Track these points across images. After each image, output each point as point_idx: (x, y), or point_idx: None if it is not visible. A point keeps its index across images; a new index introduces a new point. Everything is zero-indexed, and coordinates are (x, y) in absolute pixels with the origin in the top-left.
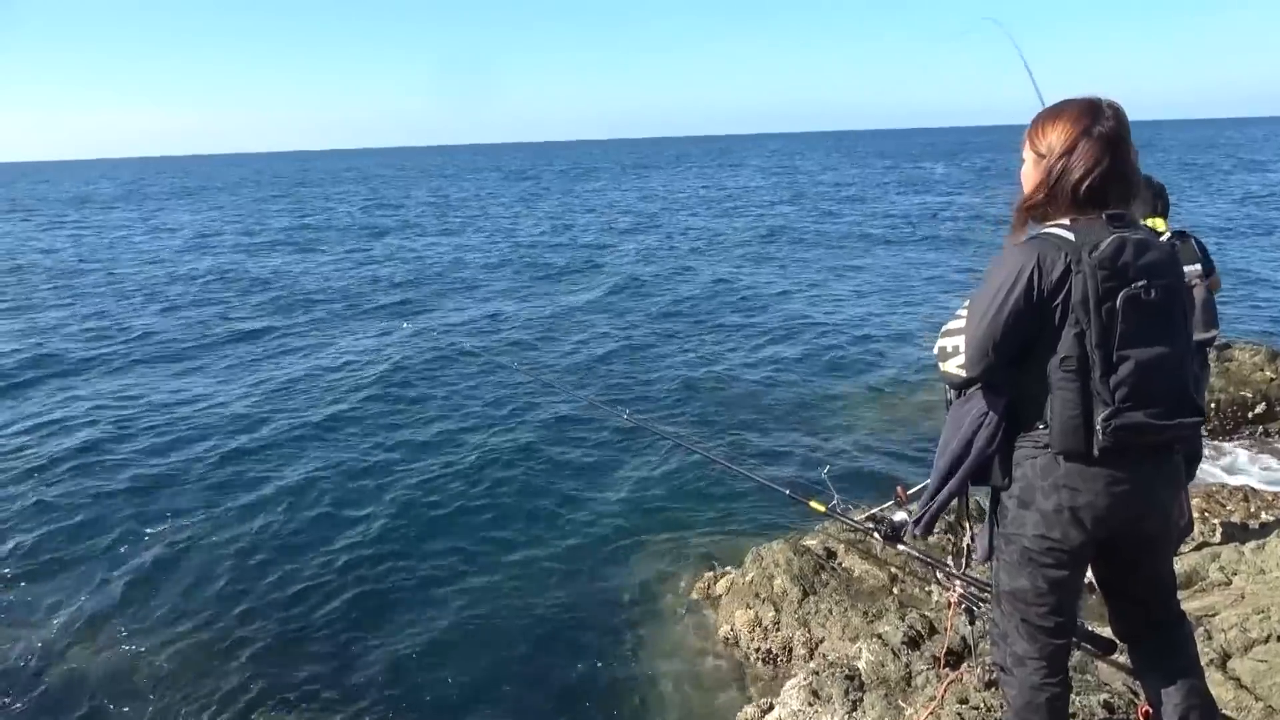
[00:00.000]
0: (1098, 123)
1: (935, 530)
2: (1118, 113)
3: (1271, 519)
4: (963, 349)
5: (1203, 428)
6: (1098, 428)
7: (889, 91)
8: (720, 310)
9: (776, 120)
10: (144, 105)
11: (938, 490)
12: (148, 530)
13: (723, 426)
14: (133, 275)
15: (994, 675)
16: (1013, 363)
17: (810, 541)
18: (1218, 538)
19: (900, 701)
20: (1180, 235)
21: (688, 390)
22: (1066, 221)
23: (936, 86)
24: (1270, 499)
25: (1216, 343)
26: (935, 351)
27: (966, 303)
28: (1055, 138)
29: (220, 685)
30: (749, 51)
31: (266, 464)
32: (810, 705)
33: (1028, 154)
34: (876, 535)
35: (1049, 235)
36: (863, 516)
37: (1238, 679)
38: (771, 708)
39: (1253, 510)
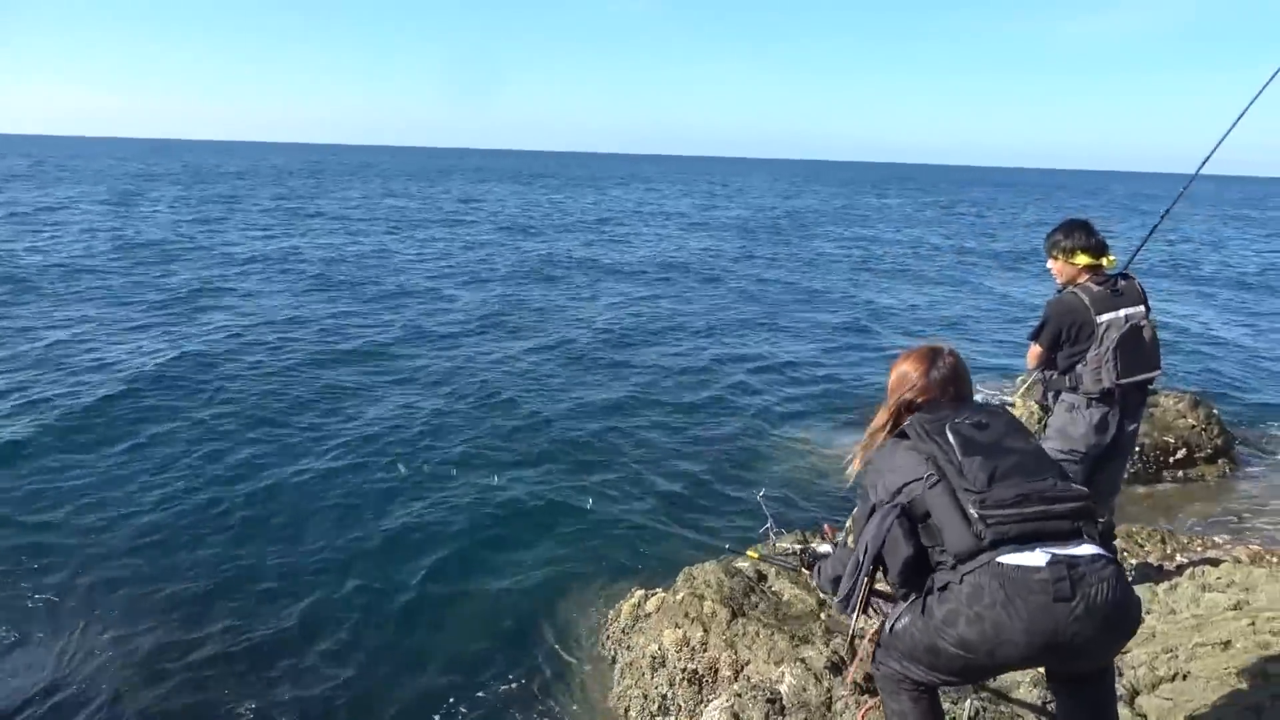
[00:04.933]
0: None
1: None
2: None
3: (1185, 561)
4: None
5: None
6: (974, 515)
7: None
8: (650, 342)
9: (772, 147)
10: (150, 89)
11: (855, 571)
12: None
13: (655, 462)
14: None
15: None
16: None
17: (742, 564)
18: (1132, 577)
19: None
20: (1124, 276)
21: (618, 427)
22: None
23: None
24: (1185, 541)
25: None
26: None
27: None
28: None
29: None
30: (751, 75)
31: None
32: None
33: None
34: (804, 570)
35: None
36: (791, 542)
37: (1144, 716)
38: None
39: (1168, 552)
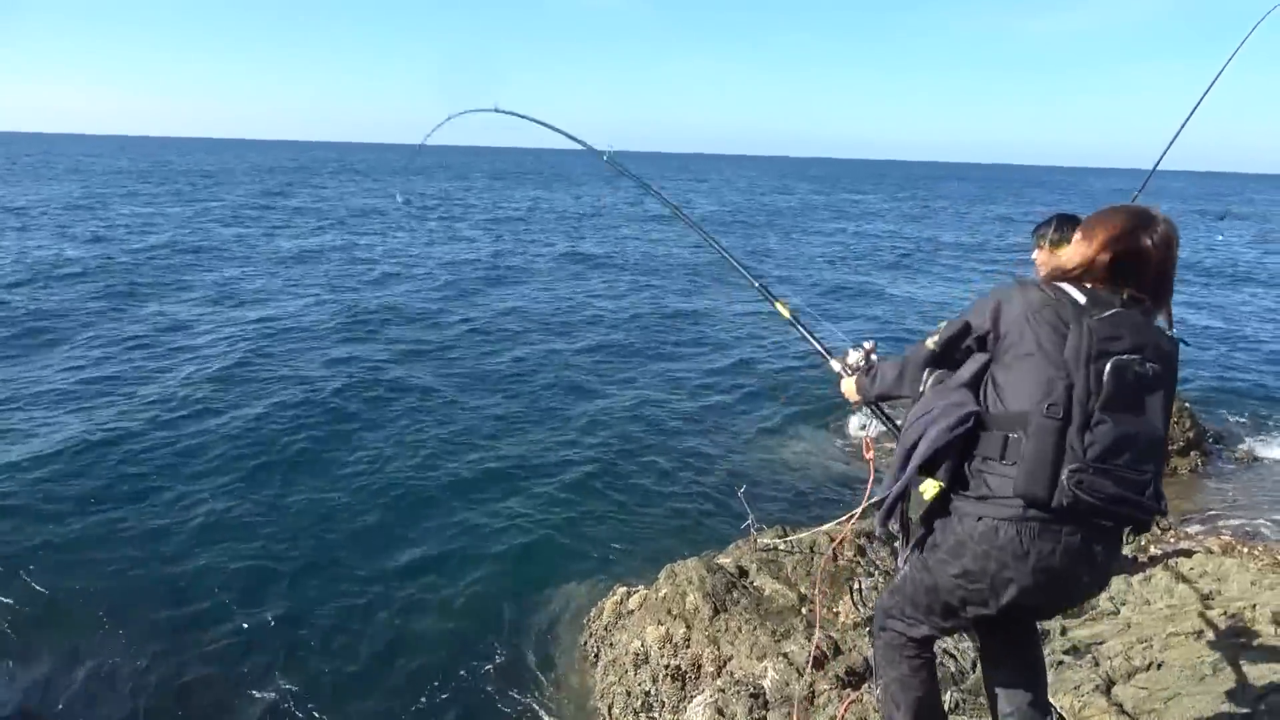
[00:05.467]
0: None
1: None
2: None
3: (1159, 553)
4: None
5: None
6: (1064, 480)
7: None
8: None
9: (760, 144)
10: (139, 90)
11: (908, 456)
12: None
13: (635, 460)
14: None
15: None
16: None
17: (724, 559)
18: None
19: None
20: None
21: (612, 417)
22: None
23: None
24: (1159, 533)
25: None
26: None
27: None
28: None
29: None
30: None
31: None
32: None
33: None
34: (830, 358)
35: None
36: (772, 537)
37: (1120, 704)
38: None
39: (1142, 544)
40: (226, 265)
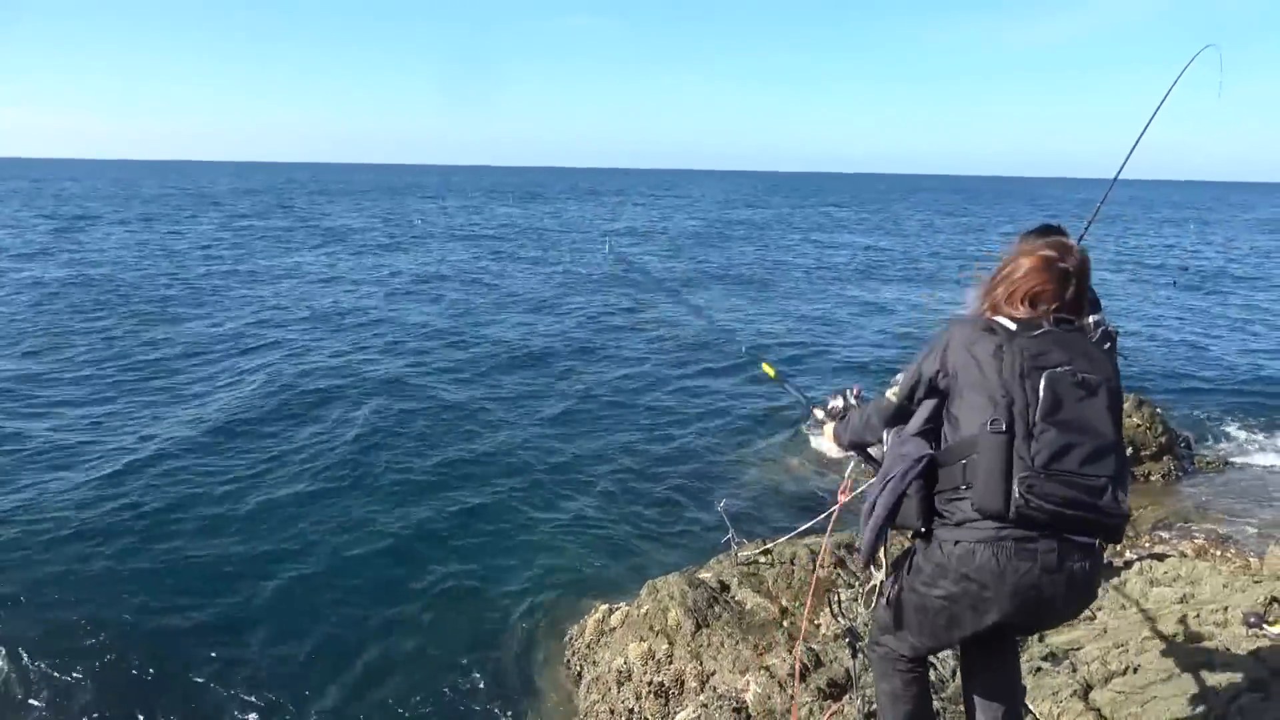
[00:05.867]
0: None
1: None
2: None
3: (1134, 557)
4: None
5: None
6: (1015, 489)
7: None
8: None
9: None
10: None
11: (871, 513)
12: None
13: (614, 477)
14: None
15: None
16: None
17: (705, 574)
18: None
19: None
20: None
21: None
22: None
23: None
24: (1133, 537)
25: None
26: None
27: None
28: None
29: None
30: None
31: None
32: None
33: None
34: (816, 412)
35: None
36: (753, 550)
37: (1098, 709)
38: None
39: (1117, 549)
40: (214, 287)
